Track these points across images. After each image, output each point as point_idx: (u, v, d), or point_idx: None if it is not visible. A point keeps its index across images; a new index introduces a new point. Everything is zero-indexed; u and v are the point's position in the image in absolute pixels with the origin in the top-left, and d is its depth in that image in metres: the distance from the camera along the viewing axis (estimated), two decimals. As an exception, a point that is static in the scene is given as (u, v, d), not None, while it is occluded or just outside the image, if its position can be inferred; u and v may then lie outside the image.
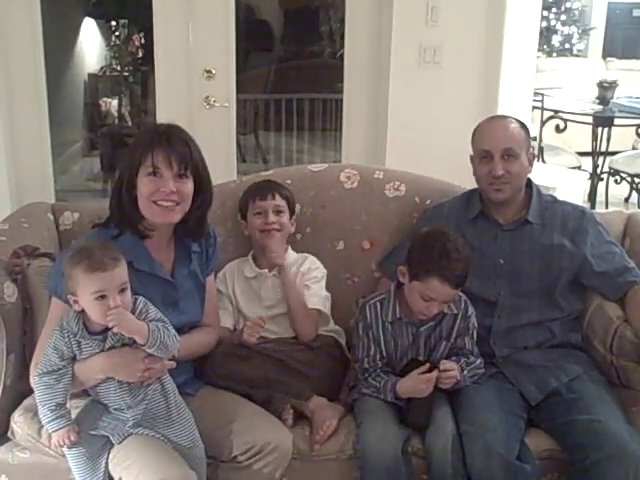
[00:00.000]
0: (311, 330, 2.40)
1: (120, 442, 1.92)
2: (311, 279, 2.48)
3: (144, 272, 2.03)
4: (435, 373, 2.09)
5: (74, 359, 1.87)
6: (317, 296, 2.46)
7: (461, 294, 2.23)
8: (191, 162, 2.02)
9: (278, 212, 2.47)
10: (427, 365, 2.12)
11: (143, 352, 1.86)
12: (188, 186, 2.03)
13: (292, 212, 2.54)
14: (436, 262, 2.08)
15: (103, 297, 1.80)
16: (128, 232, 2.04)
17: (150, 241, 2.07)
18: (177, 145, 2.00)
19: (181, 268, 2.13)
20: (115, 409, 1.91)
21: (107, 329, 1.85)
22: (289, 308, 2.41)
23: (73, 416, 1.93)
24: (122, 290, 1.83)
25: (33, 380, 1.92)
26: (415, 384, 2.11)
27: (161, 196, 1.99)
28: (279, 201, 2.48)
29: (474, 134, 2.43)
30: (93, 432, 1.91)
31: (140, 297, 1.91)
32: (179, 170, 2.00)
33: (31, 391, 2.20)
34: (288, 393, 2.18)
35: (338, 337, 2.47)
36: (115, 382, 1.88)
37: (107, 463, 1.93)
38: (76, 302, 1.84)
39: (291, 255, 2.51)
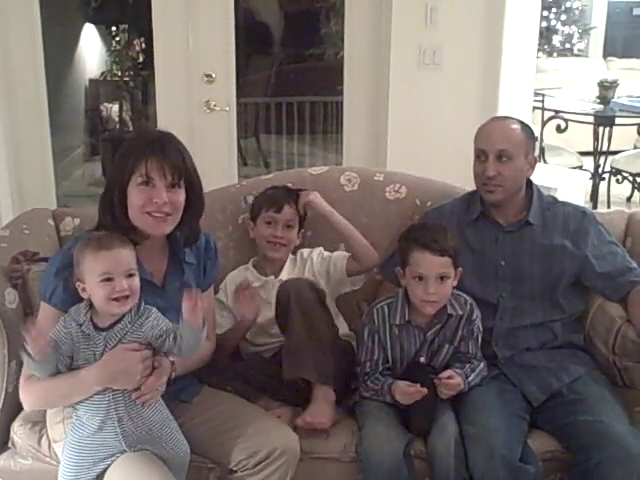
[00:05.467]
0: (372, 250, 2.47)
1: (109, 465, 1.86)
2: (321, 252, 2.53)
3: None
4: (424, 390, 2.08)
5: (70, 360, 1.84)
6: (337, 252, 2.52)
7: (467, 297, 2.23)
8: (185, 172, 1.98)
9: (288, 226, 2.47)
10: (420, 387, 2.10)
11: (139, 354, 1.83)
12: (181, 197, 1.98)
13: (302, 225, 2.54)
14: (413, 236, 2.18)
15: (109, 280, 1.79)
16: None
17: (141, 249, 1.98)
18: (171, 154, 1.95)
19: (172, 280, 2.07)
20: (106, 425, 1.85)
21: (114, 324, 1.83)
22: (350, 236, 2.47)
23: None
24: (129, 275, 1.82)
25: (23, 383, 1.91)
26: (405, 391, 2.11)
27: (153, 207, 1.94)
28: (291, 215, 2.47)
29: (476, 133, 2.43)
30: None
31: (154, 308, 1.89)
32: (172, 180, 1.95)
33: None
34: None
35: (353, 341, 2.45)
36: (109, 393, 1.84)
37: None
38: (84, 290, 1.83)
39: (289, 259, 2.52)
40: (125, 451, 1.86)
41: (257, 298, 2.32)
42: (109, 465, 1.85)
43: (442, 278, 2.14)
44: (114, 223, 1.97)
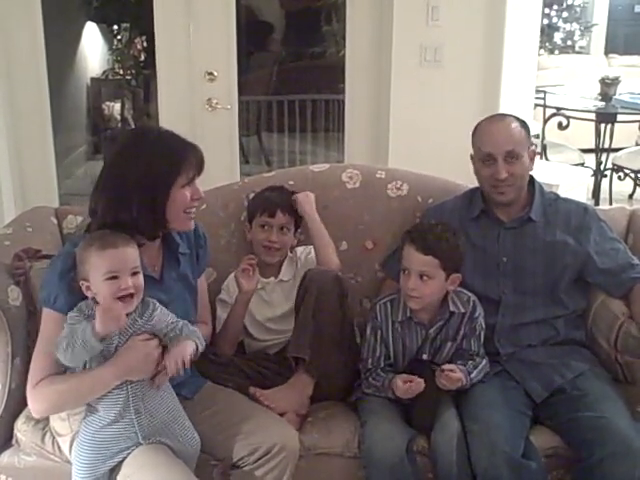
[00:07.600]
0: (337, 260, 2.47)
1: (123, 459, 1.87)
2: (310, 253, 2.53)
3: None
4: (421, 381, 2.09)
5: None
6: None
7: (470, 295, 2.24)
8: None
9: (282, 228, 2.47)
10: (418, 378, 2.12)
11: (155, 341, 1.86)
12: None
13: (298, 225, 2.54)
14: (410, 230, 2.22)
15: (115, 278, 1.79)
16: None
17: (141, 248, 1.95)
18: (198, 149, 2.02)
19: (170, 272, 2.09)
20: (123, 418, 1.86)
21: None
22: (317, 243, 2.48)
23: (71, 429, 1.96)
24: (134, 273, 1.82)
25: (30, 391, 1.91)
26: (400, 387, 2.11)
27: (194, 204, 2.01)
28: (286, 219, 2.47)
29: (474, 134, 2.41)
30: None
31: (156, 302, 1.90)
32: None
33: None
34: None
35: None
36: (127, 385, 1.85)
37: None
38: (88, 288, 1.82)
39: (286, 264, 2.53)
40: (140, 444, 1.87)
41: (257, 276, 2.34)
42: (124, 458, 1.87)
43: (422, 277, 2.14)
44: (155, 226, 1.98)
